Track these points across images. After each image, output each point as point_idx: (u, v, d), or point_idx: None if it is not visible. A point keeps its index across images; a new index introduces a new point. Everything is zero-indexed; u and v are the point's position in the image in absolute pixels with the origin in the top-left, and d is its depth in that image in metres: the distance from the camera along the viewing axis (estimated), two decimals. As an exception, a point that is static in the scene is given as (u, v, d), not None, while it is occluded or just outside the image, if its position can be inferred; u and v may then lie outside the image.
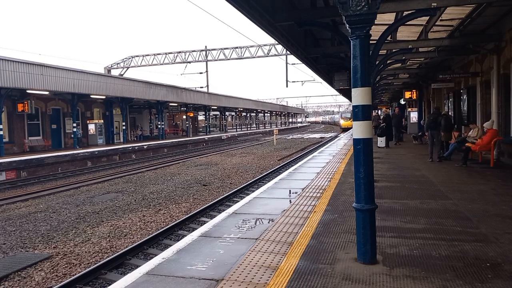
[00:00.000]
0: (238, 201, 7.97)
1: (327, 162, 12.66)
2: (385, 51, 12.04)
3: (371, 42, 3.95)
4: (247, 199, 7.19)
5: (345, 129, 50.11)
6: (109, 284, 4.75)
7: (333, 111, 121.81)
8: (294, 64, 33.82)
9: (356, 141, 3.86)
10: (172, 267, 3.89)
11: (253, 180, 13.93)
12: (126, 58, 39.12)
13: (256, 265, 3.85)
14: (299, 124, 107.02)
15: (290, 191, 7.95)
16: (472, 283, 3.31)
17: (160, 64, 37.92)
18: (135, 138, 34.35)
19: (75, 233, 8.23)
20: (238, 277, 3.58)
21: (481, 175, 9.03)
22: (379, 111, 48.44)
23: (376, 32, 8.65)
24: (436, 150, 11.95)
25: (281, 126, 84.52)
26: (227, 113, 56.80)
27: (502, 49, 11.23)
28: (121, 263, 6.43)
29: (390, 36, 11.12)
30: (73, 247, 7.30)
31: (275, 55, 34.10)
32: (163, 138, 33.84)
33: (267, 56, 34.47)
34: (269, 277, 3.56)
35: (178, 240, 7.04)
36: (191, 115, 43.75)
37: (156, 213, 9.76)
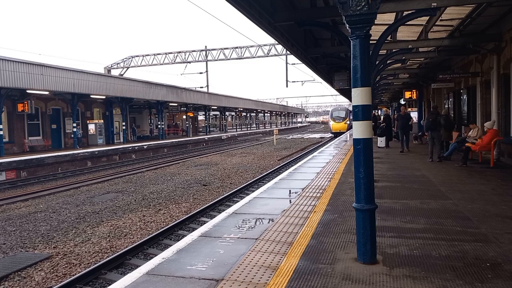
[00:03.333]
0: (238, 201, 7.97)
1: (327, 162, 12.66)
2: (385, 51, 12.04)
3: (371, 42, 3.95)
4: (247, 199, 7.19)
5: (336, 134, 39.92)
6: (109, 284, 4.75)
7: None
8: (294, 64, 33.84)
9: (356, 141, 3.86)
10: (172, 267, 3.89)
11: (253, 180, 13.93)
12: (126, 58, 39.12)
13: (256, 265, 3.85)
14: (299, 124, 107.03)
15: (290, 191, 7.95)
16: (472, 283, 3.31)
17: (160, 64, 37.93)
18: (136, 138, 34.34)
19: (75, 233, 8.23)
20: (238, 277, 3.58)
21: (481, 175, 9.03)
22: (379, 111, 47.99)
23: (376, 32, 8.65)
24: (436, 150, 11.95)
25: (281, 126, 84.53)
26: (227, 113, 56.78)
27: (502, 49, 11.23)
28: (121, 263, 6.43)
29: (390, 36, 11.12)
30: (73, 247, 7.30)
31: (275, 55, 34.10)
32: (163, 138, 33.84)
33: (267, 56, 34.47)
34: (269, 277, 3.56)
35: (178, 240, 7.05)
36: (191, 115, 43.74)
37: (156, 213, 9.76)
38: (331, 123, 43.55)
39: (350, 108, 50.91)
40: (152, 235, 7.57)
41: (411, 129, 16.64)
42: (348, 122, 42.15)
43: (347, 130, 40.63)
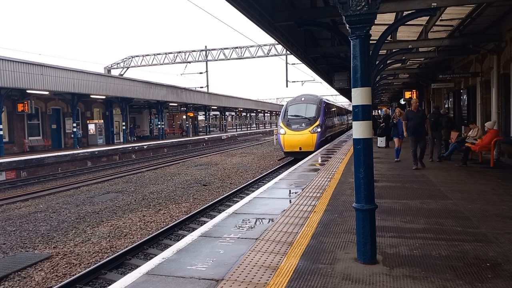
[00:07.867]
0: (238, 201, 7.96)
1: (327, 161, 12.65)
2: (385, 51, 12.05)
3: (371, 42, 3.95)
4: (247, 199, 7.19)
5: (295, 155, 19.28)
6: (109, 284, 4.75)
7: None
8: (294, 64, 33.84)
9: (356, 141, 3.86)
10: (172, 267, 3.89)
11: (253, 180, 13.93)
12: (126, 58, 39.10)
13: (256, 265, 3.85)
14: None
15: (290, 191, 7.95)
16: (472, 283, 3.31)
17: (160, 64, 37.91)
18: (135, 138, 34.34)
19: (75, 233, 8.23)
20: (238, 277, 3.58)
21: (481, 175, 9.02)
22: (380, 111, 47.78)
23: (376, 32, 8.66)
24: (436, 150, 11.95)
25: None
26: (227, 113, 56.77)
27: (502, 49, 11.23)
28: (121, 263, 6.43)
29: (390, 36, 11.12)
30: (73, 247, 7.30)
31: (275, 55, 34.09)
32: (163, 138, 33.84)
33: (267, 56, 34.45)
34: (269, 277, 3.56)
35: (178, 240, 7.04)
36: (191, 115, 43.73)
37: (156, 213, 9.76)
38: (282, 131, 19.68)
39: (326, 99, 24.53)
40: (152, 235, 7.57)
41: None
42: (319, 130, 19.57)
43: (316, 148, 18.84)
